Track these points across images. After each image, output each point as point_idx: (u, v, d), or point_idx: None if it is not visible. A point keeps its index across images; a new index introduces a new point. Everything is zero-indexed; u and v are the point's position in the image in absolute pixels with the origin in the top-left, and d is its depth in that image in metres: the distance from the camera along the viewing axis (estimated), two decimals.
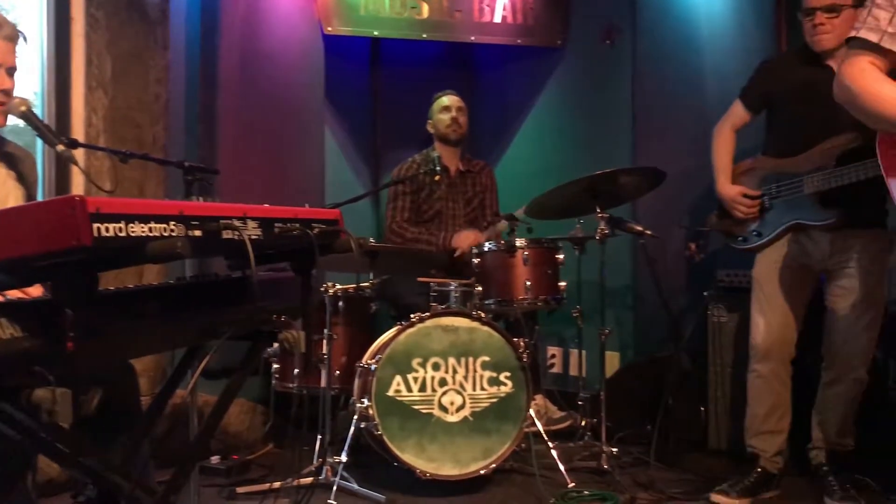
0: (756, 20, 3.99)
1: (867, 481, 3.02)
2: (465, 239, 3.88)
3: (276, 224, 1.68)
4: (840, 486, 2.97)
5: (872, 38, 2.06)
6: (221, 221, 1.50)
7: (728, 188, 3.20)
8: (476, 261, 3.41)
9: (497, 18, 4.60)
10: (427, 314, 3.18)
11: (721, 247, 3.40)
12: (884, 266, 2.99)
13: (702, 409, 3.60)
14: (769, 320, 3.05)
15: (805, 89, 3.03)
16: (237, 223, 1.53)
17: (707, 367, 3.59)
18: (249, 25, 3.98)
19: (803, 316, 3.07)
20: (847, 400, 3.01)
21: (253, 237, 1.55)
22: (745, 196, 3.13)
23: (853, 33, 2.11)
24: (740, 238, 3.20)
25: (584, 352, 3.75)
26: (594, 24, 4.51)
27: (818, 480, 3.06)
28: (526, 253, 3.34)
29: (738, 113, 3.25)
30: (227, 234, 1.51)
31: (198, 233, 1.44)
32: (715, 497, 3.02)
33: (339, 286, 3.37)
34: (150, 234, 1.33)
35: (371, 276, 3.52)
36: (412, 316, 3.17)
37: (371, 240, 3.44)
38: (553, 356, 4.56)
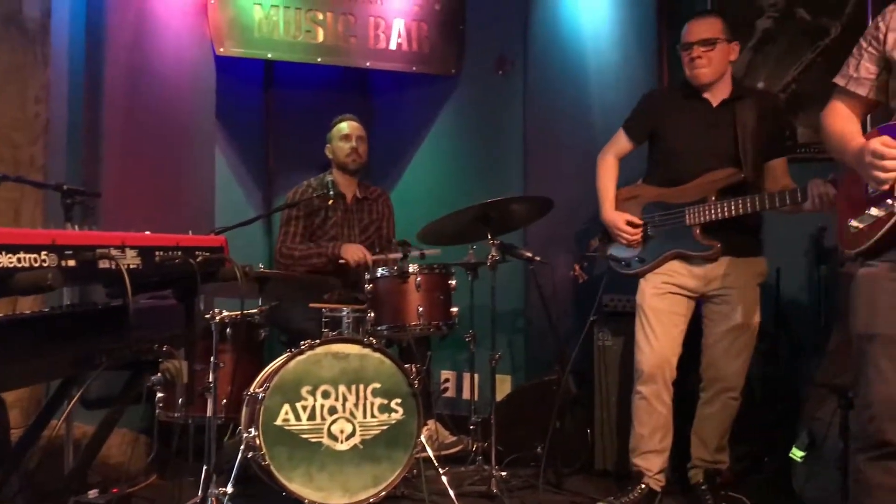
0: (640, 54, 4.16)
1: (743, 499, 3.16)
2: (354, 251, 3.87)
3: (157, 252, 1.65)
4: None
5: (841, 82, 2.27)
6: (98, 251, 1.46)
7: (612, 214, 3.31)
8: (368, 287, 3.41)
9: (392, 45, 4.64)
10: (318, 341, 3.15)
11: (606, 272, 3.51)
12: (757, 293, 3.16)
13: (588, 430, 3.69)
14: (652, 344, 3.16)
15: (684, 121, 3.20)
16: (115, 252, 1.49)
17: (593, 389, 3.69)
18: (137, 44, 3.87)
19: (684, 339, 3.20)
20: (722, 419, 3.16)
21: (132, 266, 1.52)
22: (629, 223, 3.25)
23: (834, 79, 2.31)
24: (624, 263, 3.31)
25: (476, 376, 3.79)
26: (487, 54, 4.62)
27: (696, 498, 3.18)
28: (418, 279, 3.36)
29: (621, 142, 3.38)
30: (103, 264, 1.47)
31: (72, 262, 1.40)
32: None
33: (226, 313, 3.30)
34: (19, 266, 1.28)
35: (260, 302, 3.46)
36: (302, 343, 3.13)
37: (261, 265, 3.40)
38: (446, 380, 4.60)
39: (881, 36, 2.17)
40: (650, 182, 3.31)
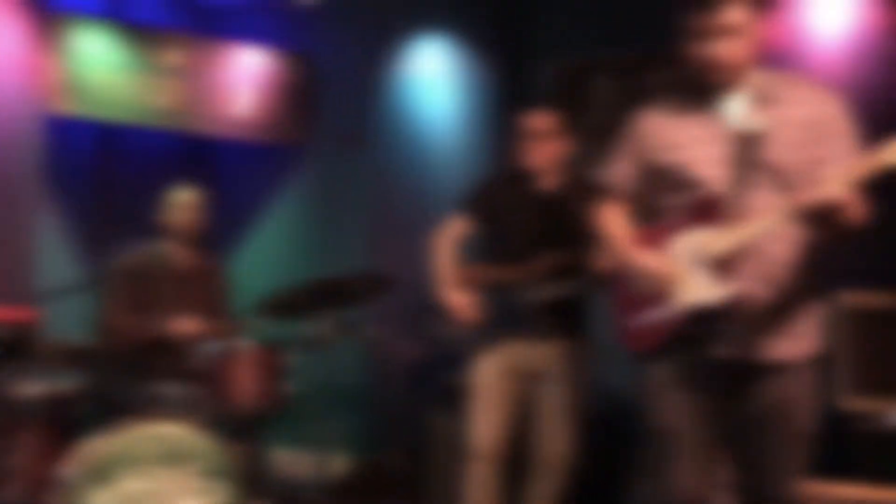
0: (483, 139, 4.32)
1: None
2: (184, 324, 3.71)
3: None
4: None
5: (604, 180, 2.39)
6: None
7: (448, 294, 3.36)
8: (198, 362, 3.27)
9: (239, 113, 4.60)
10: (138, 418, 2.97)
11: (444, 349, 3.54)
12: (585, 372, 3.28)
13: None
14: (485, 422, 3.19)
15: (519, 205, 3.32)
16: None
17: (429, 467, 3.68)
18: None
19: (517, 417, 3.25)
20: (549, 496, 3.22)
21: None
22: (465, 303, 3.31)
23: None
24: (460, 341, 3.36)
25: (311, 454, 3.69)
26: (335, 127, 4.66)
27: None
28: (251, 355, 3.26)
29: (459, 223, 3.46)
30: None
31: None
32: None
33: (39, 388, 3.07)
34: None
35: (79, 376, 3.24)
36: (122, 420, 2.95)
37: (83, 337, 3.21)
38: (281, 459, 4.44)
39: (639, 138, 2.29)
40: (486, 262, 3.39)
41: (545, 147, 3.25)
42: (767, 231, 2.00)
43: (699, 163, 2.12)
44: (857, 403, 3.14)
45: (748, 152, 2.06)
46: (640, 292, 2.17)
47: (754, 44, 2.09)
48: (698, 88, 2.15)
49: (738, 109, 2.12)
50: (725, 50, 2.05)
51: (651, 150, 2.24)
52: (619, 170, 2.36)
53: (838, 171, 1.88)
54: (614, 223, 2.35)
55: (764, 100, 2.10)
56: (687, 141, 2.16)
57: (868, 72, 3.61)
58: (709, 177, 2.10)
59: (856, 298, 3.23)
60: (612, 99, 4.20)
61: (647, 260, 2.16)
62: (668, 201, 2.22)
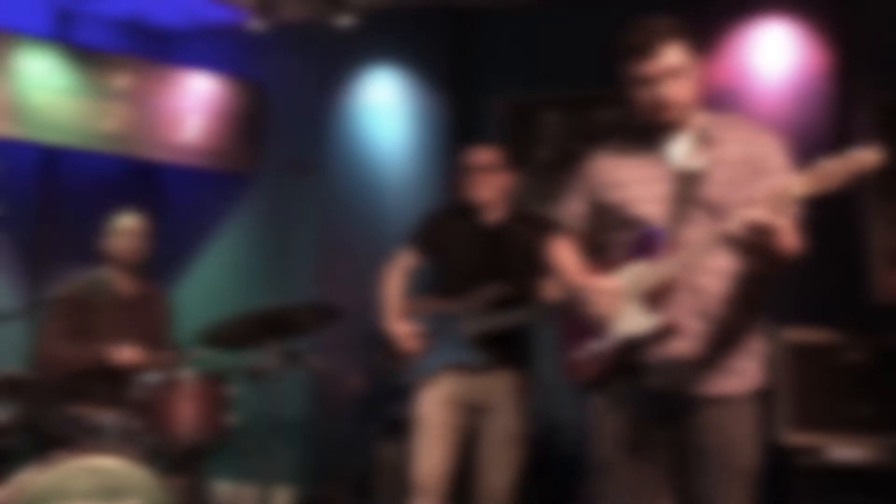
0: (431, 171, 4.34)
1: None
2: (123, 352, 3.61)
3: None
4: None
5: (558, 217, 2.45)
6: None
7: (395, 325, 3.35)
8: (137, 392, 3.19)
9: (187, 139, 4.54)
10: (72, 451, 2.88)
11: (390, 381, 3.51)
12: (526, 404, 3.28)
13: None
14: (426, 456, 3.17)
15: (464, 237, 3.34)
16: None
17: (373, 499, 3.63)
18: None
19: (460, 451, 3.23)
20: None
21: None
22: (410, 334, 3.30)
23: None
24: (404, 373, 3.34)
25: (253, 487, 3.61)
26: (285, 155, 4.63)
27: None
28: (192, 385, 3.19)
29: (407, 256, 3.47)
30: None
31: None
32: None
33: None
34: None
35: (12, 406, 3.13)
36: (55, 453, 2.85)
37: (14, 366, 3.10)
38: (223, 492, 4.34)
39: (589, 178, 2.35)
40: (432, 294, 3.40)
41: (489, 181, 3.29)
42: (695, 259, 2.04)
43: (641, 201, 2.19)
44: (796, 438, 3.19)
45: (687, 190, 2.12)
46: (584, 322, 2.21)
47: (695, 84, 2.17)
48: (643, 129, 2.22)
49: (679, 150, 2.19)
50: (668, 92, 2.11)
51: (599, 189, 2.31)
52: (571, 207, 2.43)
53: (761, 194, 1.90)
54: (565, 256, 2.40)
55: (704, 140, 2.16)
56: (631, 180, 2.23)
57: (806, 111, 3.73)
58: (649, 213, 2.17)
59: (795, 334, 3.31)
60: (561, 135, 4.26)
61: (595, 281, 2.19)
62: (614, 238, 2.28)
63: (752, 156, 2.13)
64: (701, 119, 2.20)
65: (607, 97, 4.15)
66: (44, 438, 3.37)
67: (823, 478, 3.10)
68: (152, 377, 3.24)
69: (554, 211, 2.49)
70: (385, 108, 4.42)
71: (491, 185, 3.29)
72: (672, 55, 2.10)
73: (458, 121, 4.37)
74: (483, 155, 3.33)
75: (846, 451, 3.08)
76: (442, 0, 4.36)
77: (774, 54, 3.80)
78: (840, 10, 3.77)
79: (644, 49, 2.10)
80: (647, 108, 2.16)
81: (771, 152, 2.14)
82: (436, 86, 4.35)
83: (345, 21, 3.97)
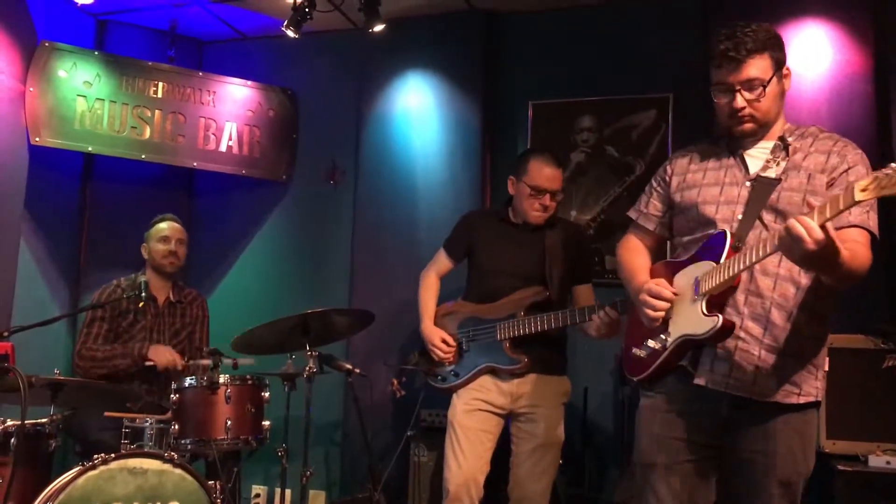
0: (465, 176, 4.33)
1: None
2: (162, 353, 3.66)
3: None
4: None
5: (633, 216, 2.48)
6: None
7: (430, 330, 3.36)
8: (174, 396, 3.23)
9: (222, 147, 4.60)
10: (112, 454, 2.91)
11: (424, 386, 3.52)
12: (562, 411, 3.26)
13: None
14: (459, 461, 3.16)
15: (498, 243, 3.33)
16: None
17: None
18: None
19: (492, 457, 3.22)
20: None
21: None
22: (444, 340, 3.30)
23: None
24: (440, 378, 3.34)
25: (287, 491, 3.63)
26: (319, 162, 4.67)
27: None
28: (228, 390, 3.22)
29: (442, 260, 3.47)
30: None
31: None
32: None
33: (10, 421, 3.01)
34: None
35: (53, 409, 3.18)
36: (96, 456, 2.89)
37: (57, 371, 3.15)
38: (257, 496, 4.38)
39: (668, 178, 2.39)
40: (467, 298, 3.39)
41: (552, 206, 3.26)
42: (754, 263, 2.01)
43: (713, 204, 2.21)
44: (837, 446, 3.14)
45: (760, 196, 2.13)
46: (642, 320, 2.23)
47: (779, 95, 2.19)
48: (725, 134, 2.26)
49: (757, 156, 2.22)
50: (747, 102, 2.13)
51: (676, 189, 2.34)
52: (648, 206, 2.46)
53: (821, 202, 1.87)
54: (634, 255, 2.43)
55: (783, 149, 2.18)
56: (706, 183, 2.26)
57: (845, 113, 3.68)
58: (719, 216, 2.18)
59: (835, 340, 3.25)
60: (593, 139, 4.24)
61: (657, 283, 2.20)
62: (684, 238, 2.30)
63: (832, 167, 2.12)
64: (783, 127, 2.23)
65: (638, 101, 4.14)
66: (84, 442, 3.43)
67: (864, 485, 3.04)
68: (188, 382, 3.27)
69: (630, 210, 2.52)
70: (418, 114, 4.43)
71: (553, 209, 3.28)
72: (756, 67, 2.12)
73: (490, 125, 4.37)
74: (555, 179, 3.24)
75: (887, 458, 3.02)
76: (474, 5, 4.36)
77: (813, 56, 3.75)
78: (878, 11, 3.71)
79: (730, 58, 2.12)
80: (726, 115, 2.19)
81: (852, 164, 2.12)
82: (468, 90, 4.35)
83: (377, 27, 3.99)
